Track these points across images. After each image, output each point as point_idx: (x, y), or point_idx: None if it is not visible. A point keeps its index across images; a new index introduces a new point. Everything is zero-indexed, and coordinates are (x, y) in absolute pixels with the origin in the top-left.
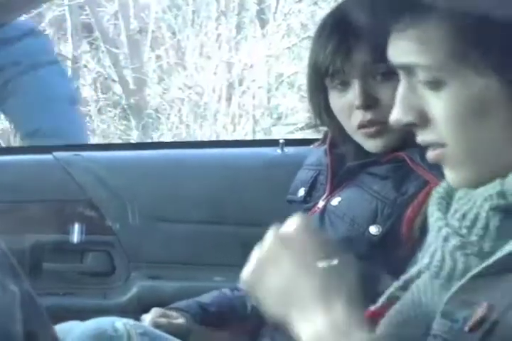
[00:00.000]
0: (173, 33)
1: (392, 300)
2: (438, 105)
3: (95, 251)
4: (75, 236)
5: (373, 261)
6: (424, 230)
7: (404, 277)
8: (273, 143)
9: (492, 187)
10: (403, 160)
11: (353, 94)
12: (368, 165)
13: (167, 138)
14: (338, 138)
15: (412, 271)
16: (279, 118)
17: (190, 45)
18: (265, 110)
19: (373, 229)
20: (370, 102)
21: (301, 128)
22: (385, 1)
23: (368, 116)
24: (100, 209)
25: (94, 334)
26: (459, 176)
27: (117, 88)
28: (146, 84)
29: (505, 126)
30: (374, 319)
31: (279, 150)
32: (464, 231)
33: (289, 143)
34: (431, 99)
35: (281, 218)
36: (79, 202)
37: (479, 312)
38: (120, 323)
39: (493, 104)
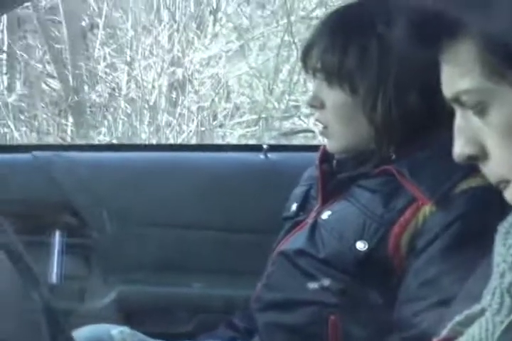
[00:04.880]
0: (121, 31)
1: (454, 334)
2: (490, 133)
3: (73, 254)
4: (52, 238)
5: (360, 277)
6: (411, 247)
7: (466, 312)
8: (256, 148)
9: None
10: (393, 174)
11: None
12: (358, 177)
13: (108, 137)
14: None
15: (476, 307)
16: (224, 118)
17: (137, 43)
18: (210, 111)
19: (360, 245)
20: (315, 103)
21: (284, 134)
22: (419, 28)
23: (316, 115)
24: (79, 212)
25: None
26: None
27: (57, 85)
28: (91, 81)
29: None
30: None
31: (262, 156)
32: None
33: (273, 148)
34: (483, 129)
35: (263, 224)
36: (57, 204)
37: None
38: (116, 331)
39: None
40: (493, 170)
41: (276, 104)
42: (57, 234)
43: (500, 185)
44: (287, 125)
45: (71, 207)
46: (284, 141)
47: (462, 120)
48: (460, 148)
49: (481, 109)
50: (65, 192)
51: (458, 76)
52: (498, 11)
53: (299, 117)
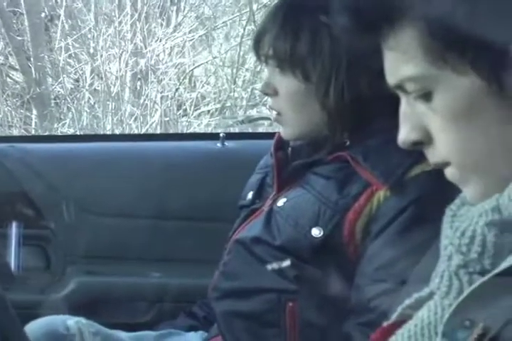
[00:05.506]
0: (83, 22)
1: (404, 317)
2: (434, 118)
3: (30, 246)
4: (9, 230)
5: (316, 263)
6: (366, 233)
7: (416, 295)
8: (213, 136)
9: (488, 203)
10: (347, 161)
11: None
12: (313, 164)
13: (72, 128)
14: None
15: (425, 290)
16: (189, 108)
17: (98, 34)
18: (174, 101)
19: (315, 232)
20: (268, 90)
21: (241, 122)
22: (358, 15)
23: (270, 102)
24: (35, 203)
25: (46, 332)
26: (473, 191)
27: (20, 77)
28: (54, 73)
29: (499, 126)
30: (385, 335)
31: (219, 144)
32: (464, 249)
33: (230, 136)
34: (427, 114)
35: (220, 212)
36: (13, 195)
37: (475, 333)
38: (72, 322)
39: (482, 103)
40: (436, 153)
41: (241, 92)
42: (14, 225)
43: (441, 166)
44: (253, 113)
45: (27, 198)
46: (249, 129)
47: (407, 106)
48: (405, 135)
49: (425, 95)
50: (20, 183)
51: (401, 63)
52: None
53: (264, 105)
